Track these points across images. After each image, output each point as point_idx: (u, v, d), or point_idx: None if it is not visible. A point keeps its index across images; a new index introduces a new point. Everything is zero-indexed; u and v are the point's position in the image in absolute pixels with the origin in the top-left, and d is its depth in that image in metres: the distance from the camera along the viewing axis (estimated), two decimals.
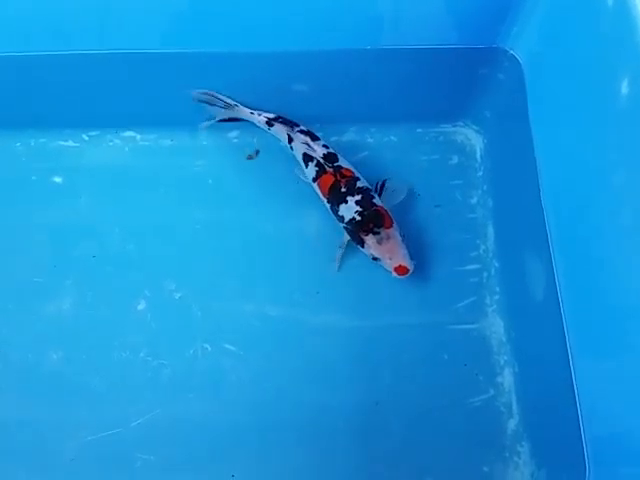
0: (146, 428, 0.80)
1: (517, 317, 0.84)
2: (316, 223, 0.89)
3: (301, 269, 0.87)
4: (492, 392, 0.83)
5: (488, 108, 0.93)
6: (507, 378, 0.83)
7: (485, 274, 0.88)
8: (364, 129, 0.96)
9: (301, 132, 0.89)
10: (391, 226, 0.83)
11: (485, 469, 0.80)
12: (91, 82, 0.90)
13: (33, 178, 0.93)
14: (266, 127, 0.91)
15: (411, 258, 0.82)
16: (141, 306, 0.86)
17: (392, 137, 0.96)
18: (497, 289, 0.87)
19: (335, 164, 0.86)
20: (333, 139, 0.95)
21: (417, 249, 0.89)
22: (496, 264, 0.88)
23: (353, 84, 0.92)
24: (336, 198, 0.85)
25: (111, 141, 0.95)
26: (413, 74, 0.91)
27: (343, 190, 0.85)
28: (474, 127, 0.95)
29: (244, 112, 0.91)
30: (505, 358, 0.84)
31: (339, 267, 0.87)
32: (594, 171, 0.73)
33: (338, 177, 0.85)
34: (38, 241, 0.90)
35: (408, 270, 0.81)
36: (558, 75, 0.80)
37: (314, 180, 0.87)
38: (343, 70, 0.90)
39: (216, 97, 0.91)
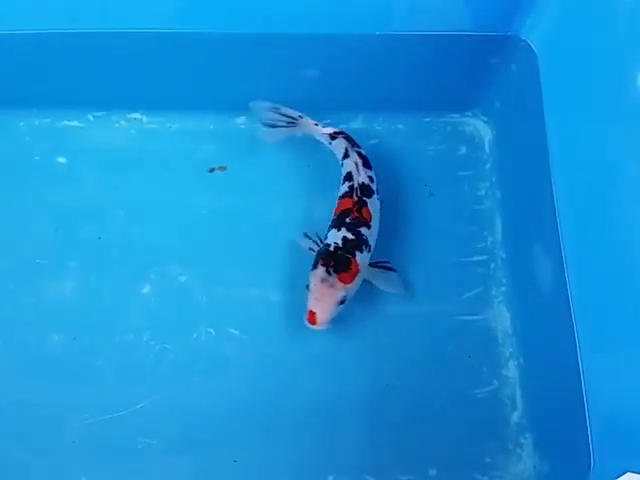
0: (148, 411, 0.80)
1: (523, 309, 0.84)
2: (323, 210, 0.89)
3: (307, 256, 0.86)
4: (496, 384, 0.82)
5: (498, 99, 0.92)
6: (512, 370, 0.83)
7: (492, 265, 0.88)
8: (372, 117, 0.95)
9: (359, 153, 0.85)
10: (345, 283, 0.76)
11: (488, 460, 0.80)
12: (98, 62, 0.89)
13: (37, 158, 0.92)
14: (327, 140, 0.88)
15: (327, 323, 0.76)
16: (145, 289, 0.85)
17: (400, 126, 0.95)
18: (503, 280, 0.87)
19: (363, 199, 0.82)
20: (341, 126, 0.94)
21: (424, 239, 0.89)
22: (503, 255, 0.88)
23: (361, 71, 0.91)
24: (336, 222, 0.81)
25: (117, 122, 0.94)
26: (423, 61, 0.90)
27: (347, 221, 0.81)
28: (483, 118, 0.95)
29: (307, 124, 0.88)
30: (510, 350, 0.84)
31: None
32: (608, 163, 0.72)
33: (354, 209, 0.81)
34: (41, 222, 0.89)
35: (312, 323, 0.75)
36: (574, 65, 0.79)
37: (339, 197, 0.84)
38: (352, 56, 0.89)
39: (279, 111, 0.87)
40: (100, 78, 0.91)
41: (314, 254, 0.81)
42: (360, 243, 0.80)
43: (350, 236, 0.80)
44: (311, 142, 0.93)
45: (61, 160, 0.92)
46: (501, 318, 0.85)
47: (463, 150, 0.94)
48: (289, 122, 0.88)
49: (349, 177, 0.84)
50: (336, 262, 0.78)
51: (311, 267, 0.78)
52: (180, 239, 0.88)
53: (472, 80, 0.92)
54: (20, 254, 0.87)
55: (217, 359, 0.82)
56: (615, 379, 0.70)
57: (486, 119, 0.95)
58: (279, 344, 0.83)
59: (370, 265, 0.82)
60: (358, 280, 0.79)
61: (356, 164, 0.84)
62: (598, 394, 0.71)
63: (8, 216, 0.89)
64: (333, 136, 0.87)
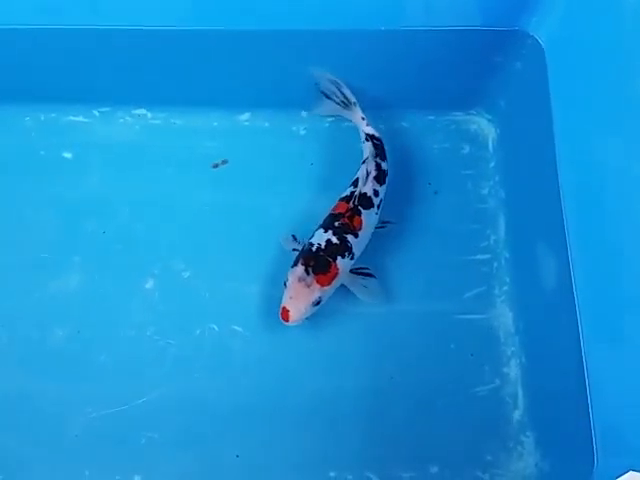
0: (151, 406, 0.80)
1: (526, 308, 0.84)
2: (325, 209, 0.89)
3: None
4: (498, 382, 0.83)
5: (503, 97, 0.92)
6: (513, 369, 0.83)
7: (495, 264, 0.88)
8: (375, 114, 0.95)
9: (377, 165, 0.84)
10: (322, 285, 0.77)
11: (489, 458, 0.80)
12: (103, 58, 0.90)
13: (42, 153, 0.93)
14: (363, 138, 0.87)
15: (300, 321, 0.77)
16: (149, 285, 0.86)
17: (403, 123, 0.95)
18: (507, 279, 0.87)
19: (359, 209, 0.81)
20: (345, 124, 0.95)
21: (427, 238, 0.89)
22: (506, 254, 0.88)
23: (366, 67, 0.91)
24: (325, 223, 0.82)
25: (122, 118, 0.94)
26: (428, 58, 0.90)
27: (336, 225, 0.81)
28: (487, 116, 0.95)
29: (356, 114, 0.88)
30: (512, 349, 0.84)
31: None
32: (615, 161, 0.72)
33: (346, 215, 0.81)
34: (46, 216, 0.89)
35: (284, 318, 0.76)
36: (582, 62, 0.79)
37: (339, 198, 0.84)
38: (356, 52, 0.89)
39: (340, 89, 0.88)
40: (105, 74, 0.91)
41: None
42: (343, 249, 0.80)
43: (335, 240, 0.80)
44: (315, 140, 0.94)
45: (66, 155, 0.92)
46: (503, 317, 0.85)
47: (467, 149, 0.94)
48: (343, 102, 0.89)
49: (356, 182, 0.84)
50: (316, 263, 0.78)
51: (291, 264, 0.79)
52: (184, 235, 0.88)
53: (477, 77, 0.92)
54: (25, 248, 0.87)
55: (220, 355, 0.82)
56: (619, 377, 0.69)
57: (490, 117, 0.95)
58: (282, 341, 0.83)
59: (350, 271, 0.82)
60: (335, 284, 0.79)
61: (367, 173, 0.83)
62: (602, 392, 0.71)
63: (13, 210, 0.89)
64: (367, 138, 0.87)
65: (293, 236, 0.85)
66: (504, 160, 0.92)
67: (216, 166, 0.91)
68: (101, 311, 0.84)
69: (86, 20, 0.86)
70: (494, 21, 0.86)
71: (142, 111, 0.94)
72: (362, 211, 0.82)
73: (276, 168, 0.92)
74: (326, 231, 0.81)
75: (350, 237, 0.81)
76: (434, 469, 0.79)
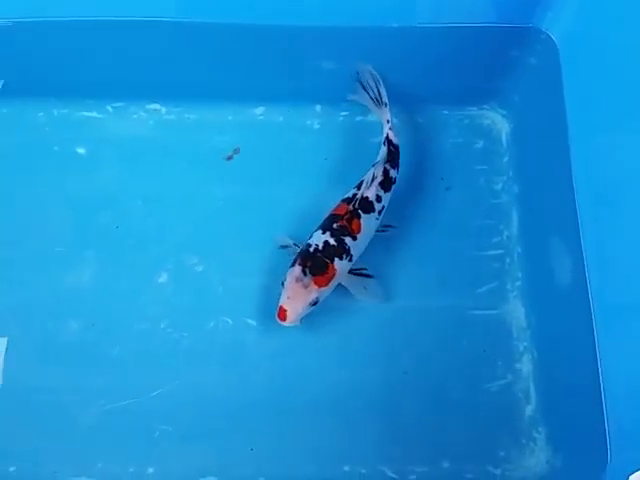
0: (165, 399, 0.80)
1: (539, 303, 0.84)
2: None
3: None
4: (510, 378, 0.83)
5: (517, 92, 0.92)
6: (526, 364, 0.83)
7: (507, 260, 0.88)
8: (389, 109, 0.95)
9: (385, 171, 0.83)
10: (319, 286, 0.77)
11: (501, 453, 0.80)
12: (117, 52, 0.90)
13: (55, 148, 0.93)
14: (383, 140, 0.86)
15: (297, 321, 0.78)
16: (162, 279, 0.86)
17: (417, 118, 0.95)
18: (519, 275, 0.87)
19: (358, 212, 0.81)
20: (358, 119, 0.95)
21: (439, 233, 0.89)
22: (519, 250, 0.88)
23: (379, 63, 0.90)
24: (324, 225, 0.81)
25: (135, 113, 0.94)
26: (441, 54, 0.90)
27: (334, 226, 0.80)
28: (501, 111, 0.94)
29: (384, 115, 0.87)
30: (525, 344, 0.84)
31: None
32: (629, 157, 0.72)
33: (345, 217, 0.81)
34: (60, 211, 0.90)
35: (282, 319, 0.77)
36: (596, 58, 0.79)
37: (341, 199, 0.84)
38: (369, 48, 0.89)
39: (378, 85, 0.87)
40: (119, 69, 0.91)
41: (290, 252, 0.82)
42: (341, 251, 0.80)
43: (332, 242, 0.80)
44: (329, 134, 0.94)
45: (80, 150, 0.93)
46: (516, 312, 0.85)
47: (480, 144, 0.94)
48: (376, 99, 0.89)
49: (360, 185, 0.83)
50: (313, 264, 0.78)
51: (290, 264, 0.79)
52: (197, 229, 0.89)
53: (491, 73, 0.92)
54: (39, 242, 0.87)
55: (234, 348, 0.83)
56: (633, 372, 0.69)
57: (504, 112, 0.94)
58: (295, 334, 0.83)
59: (349, 272, 0.82)
60: (333, 284, 0.80)
61: (374, 177, 0.83)
62: (615, 387, 0.71)
63: (28, 205, 0.89)
64: (385, 141, 0.86)
65: (290, 242, 0.84)
66: (517, 155, 0.92)
67: (230, 158, 0.91)
68: (115, 304, 0.85)
69: (100, 13, 0.86)
70: (508, 18, 0.86)
71: (156, 106, 0.94)
72: (362, 215, 0.81)
73: (290, 162, 0.92)
74: (324, 232, 0.81)
75: (348, 239, 0.80)
76: (446, 464, 0.79)
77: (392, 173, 0.84)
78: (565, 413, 0.79)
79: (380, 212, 0.83)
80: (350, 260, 0.81)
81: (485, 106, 0.95)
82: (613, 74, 0.77)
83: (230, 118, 0.94)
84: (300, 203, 0.90)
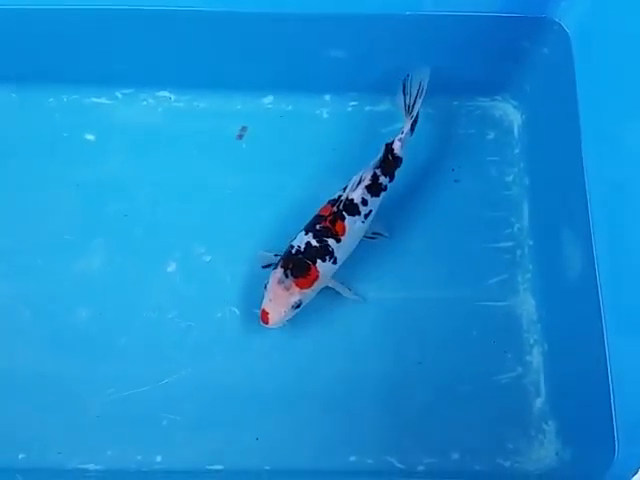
0: (173, 388, 0.80)
1: (549, 296, 0.84)
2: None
3: None
4: (520, 370, 0.82)
5: (529, 83, 0.91)
6: (536, 357, 0.83)
7: (518, 252, 0.87)
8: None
9: (374, 176, 0.81)
10: (302, 288, 0.77)
11: (510, 446, 0.80)
12: (127, 39, 0.89)
13: (65, 134, 0.93)
14: (385, 144, 0.84)
15: (280, 323, 0.77)
16: (170, 268, 0.86)
17: (428, 109, 0.93)
18: (530, 267, 0.86)
19: (343, 214, 0.79)
20: (367, 108, 0.94)
21: (450, 225, 0.88)
22: (530, 242, 0.87)
23: (390, 52, 0.90)
24: (308, 226, 0.80)
25: (145, 100, 0.94)
26: (453, 43, 0.89)
27: (317, 227, 0.79)
28: (513, 102, 0.94)
29: (405, 126, 0.85)
30: (535, 337, 0.83)
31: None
32: None
33: (328, 218, 0.79)
34: (69, 198, 0.89)
35: (264, 321, 0.77)
36: (608, 50, 0.78)
37: (328, 201, 0.82)
38: (380, 36, 0.88)
39: (418, 96, 0.85)
40: (129, 56, 0.91)
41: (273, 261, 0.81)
42: (324, 253, 0.79)
43: (314, 243, 0.79)
44: (338, 124, 0.93)
45: (89, 137, 0.92)
46: (526, 305, 0.85)
47: (492, 135, 0.93)
48: (408, 106, 0.86)
49: (347, 187, 0.81)
50: (294, 266, 0.77)
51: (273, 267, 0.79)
52: (205, 218, 0.88)
53: (503, 63, 0.91)
54: (48, 230, 0.87)
55: (241, 338, 0.83)
56: None
57: (516, 103, 0.93)
58: (302, 325, 0.83)
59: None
60: (317, 287, 0.79)
61: (360, 181, 0.81)
62: (624, 381, 0.71)
63: (36, 191, 0.89)
64: (385, 147, 0.84)
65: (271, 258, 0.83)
66: (529, 147, 0.91)
67: (240, 137, 0.90)
68: (123, 293, 0.85)
69: (112, 1, 0.85)
70: (521, 8, 0.85)
71: (165, 93, 0.94)
72: (346, 217, 0.80)
73: (298, 151, 0.92)
74: (307, 233, 0.80)
75: (331, 241, 0.79)
76: (455, 456, 0.79)
77: (382, 180, 0.82)
78: (575, 406, 0.78)
79: (367, 216, 0.81)
80: (334, 263, 0.80)
81: (497, 97, 0.94)
82: (626, 65, 0.76)
83: (239, 107, 0.93)
84: (308, 192, 0.89)
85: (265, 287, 0.78)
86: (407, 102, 0.87)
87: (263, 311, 0.77)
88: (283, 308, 0.77)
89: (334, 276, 0.82)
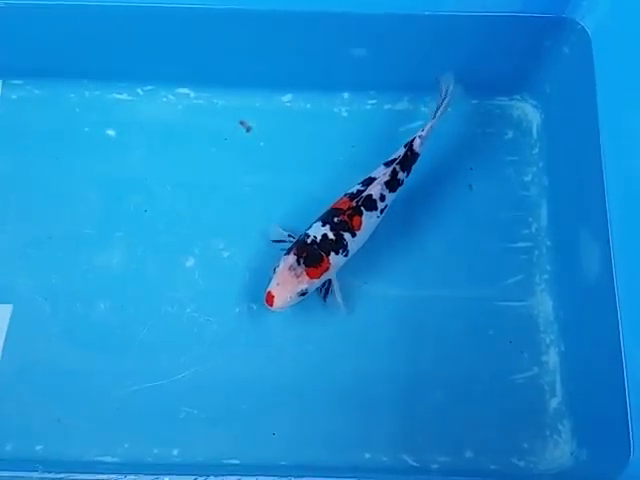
0: (191, 382, 0.81)
1: (566, 297, 0.84)
2: None
3: None
4: (536, 370, 0.82)
5: (549, 83, 0.91)
6: (552, 357, 0.83)
7: (536, 252, 0.87)
8: (418, 98, 0.95)
9: (394, 172, 0.82)
10: (312, 278, 0.77)
11: (525, 445, 0.80)
12: (149, 36, 0.90)
13: (86, 130, 0.93)
14: (406, 142, 0.84)
15: (283, 308, 0.77)
16: (190, 263, 0.87)
17: (447, 107, 0.94)
18: (548, 268, 0.86)
19: (361, 209, 0.80)
20: (386, 107, 0.94)
21: (468, 224, 0.88)
22: (548, 243, 0.87)
23: (409, 51, 0.90)
24: (325, 217, 0.81)
25: (165, 97, 0.95)
26: (473, 43, 0.89)
27: (335, 220, 0.80)
28: (532, 102, 0.93)
29: (426, 125, 0.84)
30: (551, 337, 0.83)
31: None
32: None
33: (346, 212, 0.80)
34: (89, 193, 0.90)
35: (269, 303, 0.77)
36: (629, 51, 0.78)
37: (344, 193, 0.83)
38: (400, 36, 0.89)
39: (442, 100, 0.86)
40: (150, 52, 0.92)
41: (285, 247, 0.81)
42: (338, 246, 0.79)
43: (331, 235, 0.79)
44: (356, 122, 0.93)
45: (110, 132, 0.93)
46: (543, 305, 0.85)
47: (510, 134, 0.93)
48: (437, 108, 0.86)
49: (365, 182, 0.82)
50: (308, 255, 0.78)
51: (285, 251, 0.79)
52: (224, 214, 0.89)
53: (522, 63, 0.91)
54: (69, 224, 0.88)
55: (259, 334, 0.83)
56: None
57: (535, 103, 0.93)
58: (320, 322, 0.83)
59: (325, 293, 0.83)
60: (324, 278, 0.79)
61: (379, 176, 0.82)
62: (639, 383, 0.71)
63: (58, 186, 0.90)
64: (408, 145, 0.84)
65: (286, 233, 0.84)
66: (548, 147, 0.91)
67: (249, 130, 0.91)
68: (143, 287, 0.85)
69: None
70: (541, 8, 0.85)
71: (185, 90, 0.94)
72: (364, 212, 0.81)
73: (317, 150, 0.92)
74: (324, 225, 0.80)
75: (347, 235, 0.80)
76: (469, 454, 0.79)
77: (400, 175, 0.83)
78: (590, 406, 0.78)
79: (382, 211, 0.82)
80: (346, 256, 0.80)
81: (516, 96, 0.94)
82: None
83: (258, 105, 0.94)
84: (327, 190, 0.88)
85: (274, 270, 0.78)
86: (441, 102, 0.87)
87: (269, 293, 0.77)
88: (289, 294, 0.77)
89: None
